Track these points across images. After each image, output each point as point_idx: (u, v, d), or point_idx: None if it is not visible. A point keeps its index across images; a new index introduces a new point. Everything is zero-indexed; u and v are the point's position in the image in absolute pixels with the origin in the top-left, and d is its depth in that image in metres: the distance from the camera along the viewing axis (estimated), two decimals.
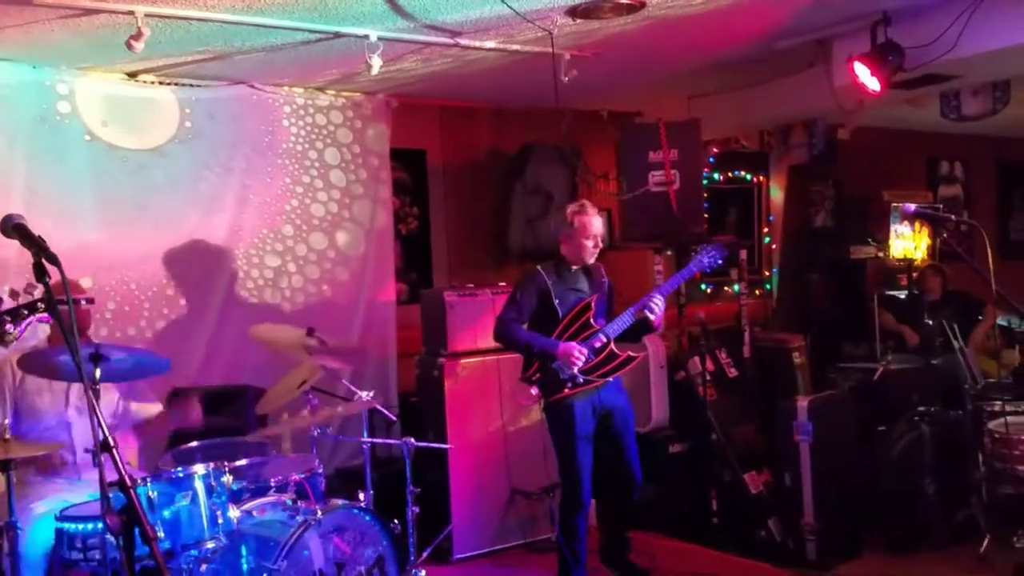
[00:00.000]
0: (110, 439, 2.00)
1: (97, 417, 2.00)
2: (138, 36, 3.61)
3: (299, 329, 4.17)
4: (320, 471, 3.91)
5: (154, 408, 3.96)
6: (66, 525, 3.25)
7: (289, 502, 3.64)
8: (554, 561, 4.30)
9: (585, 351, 4.00)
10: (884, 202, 7.20)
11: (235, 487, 3.50)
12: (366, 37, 4.08)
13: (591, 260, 4.20)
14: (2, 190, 4.34)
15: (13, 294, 2.38)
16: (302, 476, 3.79)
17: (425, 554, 4.34)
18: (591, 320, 4.10)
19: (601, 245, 4.20)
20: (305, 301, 5.37)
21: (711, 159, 6.76)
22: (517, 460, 4.99)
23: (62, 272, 2.06)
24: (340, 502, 3.69)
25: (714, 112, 6.00)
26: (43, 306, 2.32)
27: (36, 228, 2.20)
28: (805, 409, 4.59)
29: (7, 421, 3.25)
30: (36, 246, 2.09)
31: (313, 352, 4.07)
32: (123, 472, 1.94)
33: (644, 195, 5.17)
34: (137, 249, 4.82)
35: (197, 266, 5.02)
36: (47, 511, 3.39)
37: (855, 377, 5.56)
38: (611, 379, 4.11)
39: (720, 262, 4.28)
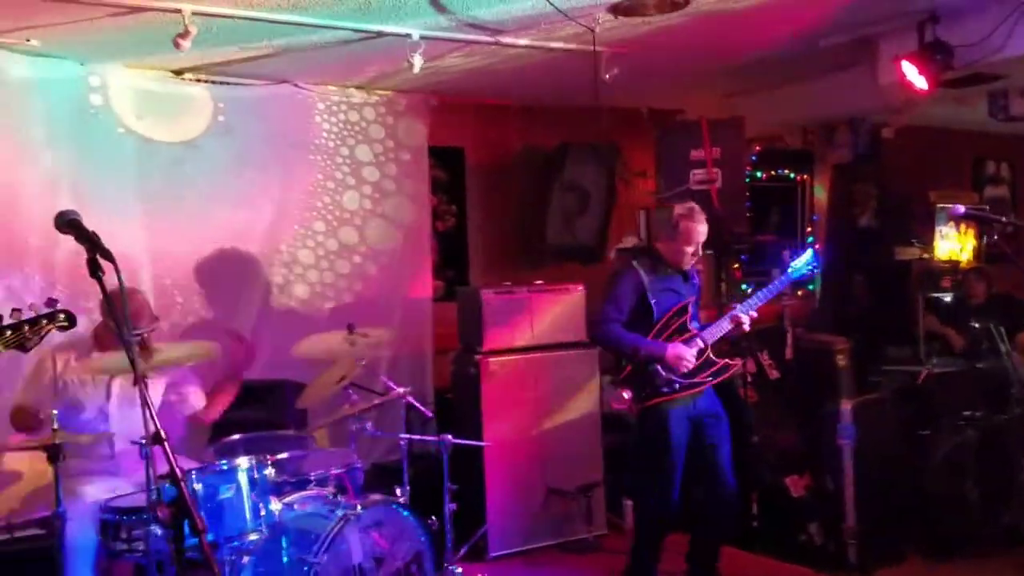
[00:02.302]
0: (161, 431, 2.03)
1: (149, 409, 2.03)
2: (185, 34, 3.65)
3: (338, 333, 4.18)
4: (359, 466, 3.95)
5: (197, 401, 4.01)
6: (111, 516, 3.31)
7: (329, 496, 3.69)
8: (589, 562, 4.29)
9: (695, 354, 3.87)
10: (929, 202, 7.08)
11: (276, 480, 3.54)
12: (408, 36, 4.09)
13: (687, 268, 4.05)
14: (47, 184, 4.41)
15: (32, 306, 2.45)
16: (341, 470, 3.83)
17: (462, 551, 4.35)
18: (687, 323, 3.96)
19: (700, 254, 4.05)
20: (337, 296, 5.39)
21: (753, 157, 6.69)
22: (553, 459, 4.99)
23: (116, 267, 2.10)
24: (379, 497, 3.72)
25: (755, 110, 5.94)
26: (62, 317, 2.40)
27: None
28: (848, 412, 4.53)
29: (54, 412, 3.30)
30: (90, 242, 2.13)
31: (352, 348, 4.10)
32: (174, 465, 1.97)
33: (684, 193, 5.12)
34: (171, 242, 4.86)
35: (230, 261, 5.04)
36: (92, 502, 3.45)
37: (899, 380, 5.46)
38: (707, 387, 3.97)
39: (815, 269, 4.12)
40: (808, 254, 4.18)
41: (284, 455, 3.68)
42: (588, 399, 5.12)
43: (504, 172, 6.12)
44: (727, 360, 3.99)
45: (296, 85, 5.17)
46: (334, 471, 3.80)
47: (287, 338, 4.47)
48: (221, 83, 4.94)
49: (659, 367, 3.88)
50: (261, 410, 4.63)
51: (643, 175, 5.92)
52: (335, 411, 4.18)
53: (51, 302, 2.42)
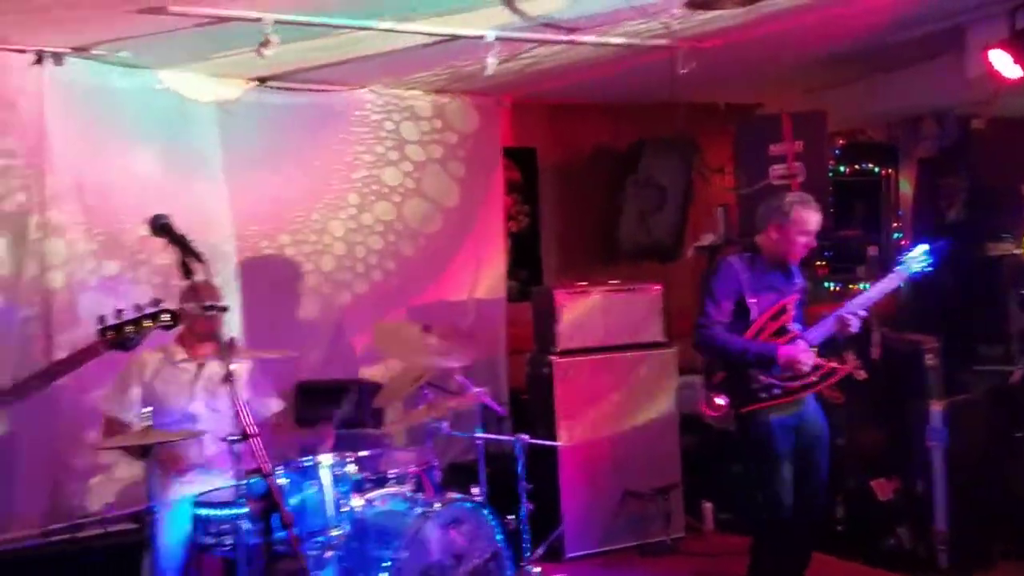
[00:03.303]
0: (250, 428, 2.08)
1: (239, 406, 2.09)
2: (267, 43, 3.74)
3: (415, 326, 4.23)
4: (436, 464, 3.99)
5: (275, 404, 4.09)
6: (201, 511, 3.41)
7: (408, 493, 3.74)
8: (668, 565, 4.23)
9: (812, 355, 3.64)
10: (1021, 196, 6.77)
11: (357, 477, 3.60)
12: (482, 38, 4.12)
13: (797, 262, 3.80)
14: (140, 185, 4.56)
15: (138, 308, 2.50)
16: (419, 469, 3.88)
17: (540, 551, 4.35)
18: (788, 324, 3.72)
19: (814, 245, 3.80)
20: (411, 296, 5.41)
21: (836, 151, 6.53)
22: (629, 460, 4.95)
23: (207, 268, 2.17)
24: (457, 496, 3.75)
25: (837, 103, 5.78)
26: (167, 316, 2.44)
27: None
28: (939, 413, 4.41)
29: (147, 410, 3.41)
30: (181, 244, 2.20)
31: (429, 347, 4.14)
32: (263, 461, 2.02)
33: (765, 189, 5.01)
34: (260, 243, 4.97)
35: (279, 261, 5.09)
36: (182, 498, 3.56)
37: (990, 380, 5.26)
38: (810, 392, 3.74)
39: (930, 267, 3.83)
40: (922, 249, 3.88)
41: (364, 453, 3.74)
42: (665, 400, 5.07)
43: (578, 171, 6.10)
44: (834, 364, 3.72)
45: (371, 90, 5.25)
46: (412, 469, 3.85)
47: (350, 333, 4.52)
48: (298, 90, 5.02)
49: (757, 371, 3.65)
50: (340, 408, 4.72)
51: (721, 171, 5.82)
52: (412, 410, 4.23)
53: (155, 301, 2.46)
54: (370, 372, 5.09)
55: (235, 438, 3.17)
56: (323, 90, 5.10)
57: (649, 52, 4.51)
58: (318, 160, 5.17)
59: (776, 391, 3.67)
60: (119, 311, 2.43)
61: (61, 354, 3.95)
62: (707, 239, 5.57)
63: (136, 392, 3.75)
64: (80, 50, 4.17)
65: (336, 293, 5.22)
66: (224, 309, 3.54)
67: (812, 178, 5.00)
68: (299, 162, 5.11)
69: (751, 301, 3.69)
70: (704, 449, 5.27)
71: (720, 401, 3.72)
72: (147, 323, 2.43)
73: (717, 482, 5.18)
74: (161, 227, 2.27)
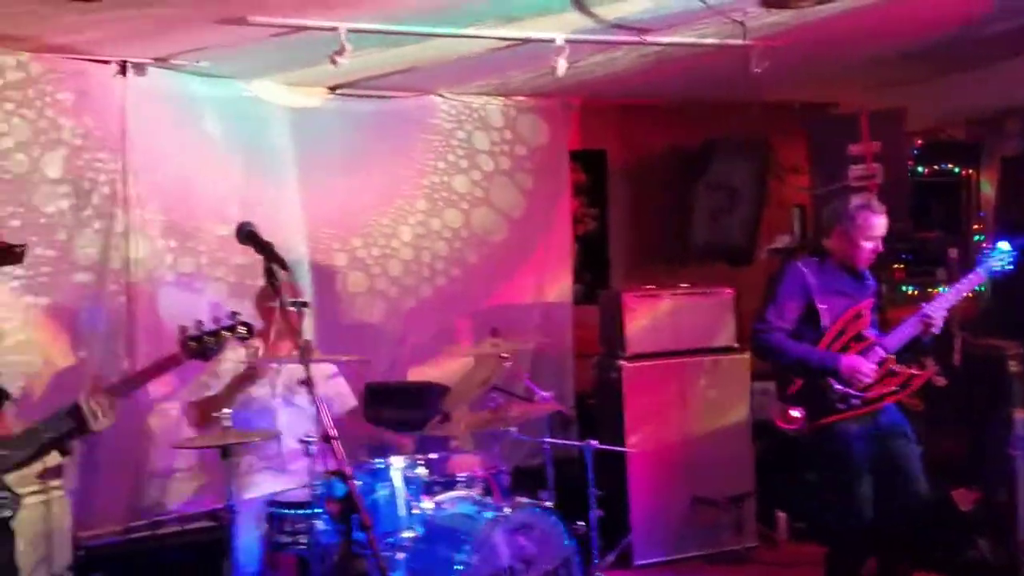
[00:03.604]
0: (331, 431, 2.12)
1: (319, 409, 2.13)
2: (341, 51, 3.80)
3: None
4: (504, 469, 3.99)
5: (351, 398, 4.15)
6: (277, 510, 3.49)
7: (477, 497, 3.75)
8: (738, 574, 4.15)
9: (875, 367, 3.54)
10: None
11: (427, 480, 3.64)
12: (552, 41, 4.11)
13: (865, 267, 3.71)
14: (222, 192, 4.69)
15: (216, 320, 2.58)
16: (488, 473, 3.89)
17: (610, 558, 4.32)
18: (864, 330, 3.62)
19: (881, 250, 3.70)
20: (478, 299, 5.45)
21: (914, 151, 6.34)
22: (699, 467, 4.89)
23: (291, 274, 2.22)
24: (526, 500, 3.76)
25: (915, 101, 5.62)
26: (243, 329, 2.54)
27: None
28: (1022, 421, 4.25)
29: (227, 411, 3.49)
30: (266, 251, 2.26)
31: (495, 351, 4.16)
32: (343, 463, 2.05)
33: (842, 190, 4.90)
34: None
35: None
36: (259, 496, 3.64)
37: None
38: (890, 401, 3.63)
39: (1012, 267, 3.68)
40: (1004, 247, 3.72)
41: (433, 455, 3.77)
42: (738, 406, 4.99)
43: (647, 172, 6.04)
44: (913, 370, 3.60)
45: (441, 95, 5.29)
46: (480, 473, 3.86)
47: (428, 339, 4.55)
48: (369, 96, 5.09)
49: (833, 381, 3.54)
50: (408, 410, 4.77)
51: (796, 171, 5.70)
52: (479, 414, 4.25)
53: (233, 314, 2.57)
54: (433, 375, 5.13)
55: (311, 439, 3.25)
56: (393, 96, 5.16)
57: (720, 51, 4.45)
58: (389, 166, 5.23)
59: (854, 401, 3.57)
60: (199, 322, 2.53)
61: (142, 347, 4.23)
62: (782, 241, 5.48)
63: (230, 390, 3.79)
64: (161, 60, 4.31)
65: (402, 297, 5.28)
66: (305, 304, 3.64)
67: (891, 179, 4.90)
68: (371, 168, 5.18)
69: (821, 307, 3.60)
70: (777, 456, 5.16)
71: (795, 414, 3.61)
72: (225, 334, 2.53)
73: (791, 490, 5.08)
74: (248, 235, 2.34)
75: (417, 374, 5.19)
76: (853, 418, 3.59)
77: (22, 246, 2.38)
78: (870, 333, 3.65)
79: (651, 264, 5.98)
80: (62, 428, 2.32)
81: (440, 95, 5.30)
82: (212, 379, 3.80)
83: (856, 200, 3.73)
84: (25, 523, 2.39)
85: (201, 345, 2.52)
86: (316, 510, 3.34)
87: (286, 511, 3.46)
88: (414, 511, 3.48)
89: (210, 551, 3.78)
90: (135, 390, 2.54)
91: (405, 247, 5.29)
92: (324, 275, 5.04)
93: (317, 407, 2.14)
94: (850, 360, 3.54)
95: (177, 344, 2.52)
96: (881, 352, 3.60)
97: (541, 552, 3.61)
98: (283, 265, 2.25)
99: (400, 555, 3.45)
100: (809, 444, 3.73)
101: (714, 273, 5.64)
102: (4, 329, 3.92)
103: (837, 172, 4.96)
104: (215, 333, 2.53)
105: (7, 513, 2.25)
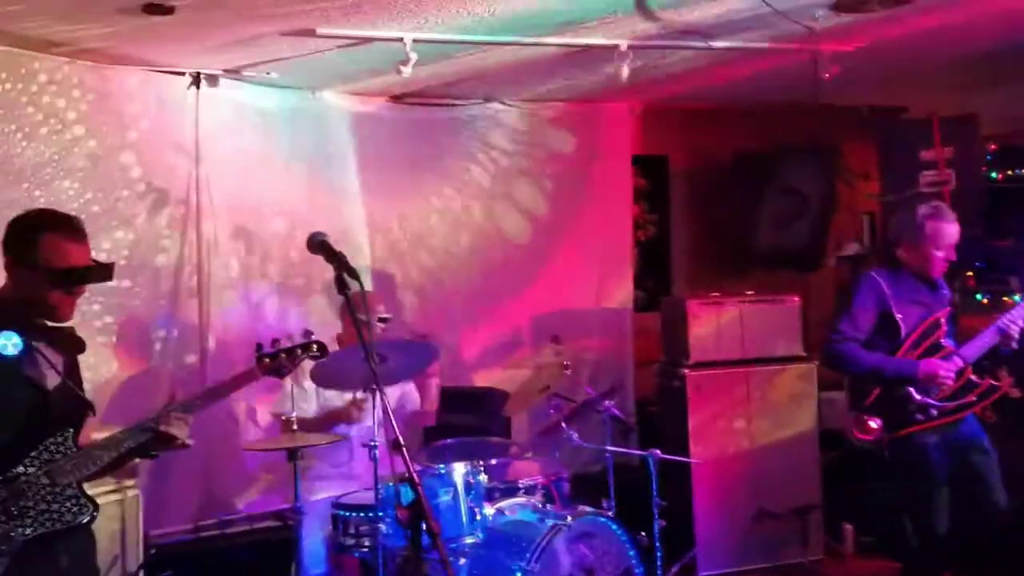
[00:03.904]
0: (400, 438, 2.15)
1: (388, 417, 2.16)
2: (406, 61, 3.86)
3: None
4: (565, 476, 3.98)
5: (416, 399, 4.19)
6: (342, 512, 3.54)
7: (538, 504, 3.74)
8: None
9: (954, 369, 3.47)
10: None
11: (488, 486, 3.64)
12: (616, 47, 4.10)
13: (939, 276, 3.67)
14: (283, 198, 4.78)
15: (290, 338, 2.67)
16: (549, 479, 3.87)
17: (674, 569, 4.27)
18: (941, 340, 3.56)
19: (954, 258, 3.64)
20: (538, 306, 5.43)
21: (987, 156, 6.16)
22: (764, 478, 4.80)
23: (360, 284, 2.26)
24: (588, 509, 3.72)
25: (988, 105, 5.45)
26: (316, 348, 2.61)
27: None
28: None
29: (295, 415, 3.57)
30: (337, 261, 2.30)
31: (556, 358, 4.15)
32: (412, 470, 2.07)
33: (914, 196, 4.78)
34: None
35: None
36: (326, 498, 3.70)
37: None
38: (968, 412, 3.55)
39: None
40: None
41: (494, 461, 3.78)
42: (804, 416, 4.89)
43: (711, 178, 5.98)
44: (992, 381, 3.51)
45: (503, 103, 5.32)
46: (541, 479, 3.85)
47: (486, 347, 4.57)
48: (430, 104, 5.14)
49: (912, 390, 3.48)
50: (469, 416, 4.80)
51: (865, 177, 5.57)
52: (539, 420, 4.25)
53: (307, 333, 2.64)
54: (489, 381, 5.15)
55: (375, 443, 3.29)
56: (454, 104, 5.21)
57: (788, 56, 4.38)
58: (447, 172, 5.28)
59: (933, 412, 3.49)
60: (275, 340, 2.61)
61: (213, 353, 4.37)
62: (851, 248, 5.37)
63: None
64: (232, 72, 4.42)
65: (459, 303, 5.31)
66: (384, 320, 3.69)
67: (964, 185, 4.77)
68: (429, 174, 5.24)
69: (898, 316, 3.54)
70: (845, 467, 5.04)
71: (873, 424, 3.52)
72: (299, 352, 2.60)
73: (859, 502, 4.96)
74: (319, 244, 2.38)
75: (480, 380, 5.22)
76: (932, 429, 3.52)
77: (112, 264, 2.46)
78: (947, 343, 3.58)
79: (713, 270, 5.92)
80: (141, 439, 2.39)
81: (501, 102, 5.33)
82: (301, 394, 3.85)
83: (923, 209, 3.66)
84: (100, 522, 2.46)
85: (276, 363, 2.59)
86: (380, 513, 3.37)
87: (351, 514, 3.51)
88: (476, 517, 3.49)
89: (277, 551, 3.86)
90: (210, 404, 2.60)
91: (463, 252, 5.33)
92: (384, 283, 5.10)
93: (385, 413, 2.17)
94: (928, 364, 3.47)
95: (254, 361, 2.60)
96: (959, 362, 3.52)
97: (602, 562, 3.59)
98: (354, 275, 2.28)
99: (462, 561, 3.46)
100: (885, 455, 3.63)
101: (779, 280, 5.54)
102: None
103: (908, 178, 4.84)
104: (290, 351, 2.59)
105: (86, 518, 2.32)
